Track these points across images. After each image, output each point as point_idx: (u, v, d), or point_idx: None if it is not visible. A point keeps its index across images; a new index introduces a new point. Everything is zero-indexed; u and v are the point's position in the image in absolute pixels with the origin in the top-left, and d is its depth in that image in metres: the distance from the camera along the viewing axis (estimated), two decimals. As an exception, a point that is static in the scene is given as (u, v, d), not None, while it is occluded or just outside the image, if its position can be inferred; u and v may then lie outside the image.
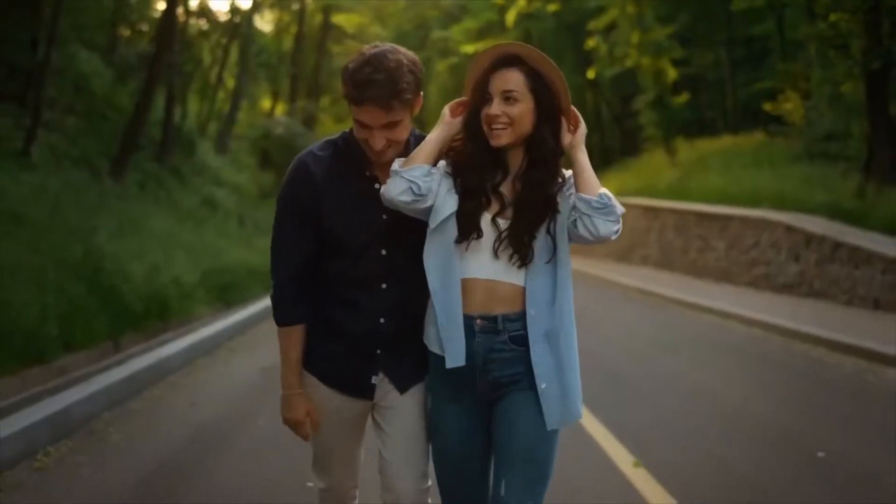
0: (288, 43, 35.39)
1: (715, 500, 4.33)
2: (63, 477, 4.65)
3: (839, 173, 15.83)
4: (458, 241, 2.46)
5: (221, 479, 4.72)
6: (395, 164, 2.50)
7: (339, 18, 36.45)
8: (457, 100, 2.57)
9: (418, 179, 2.44)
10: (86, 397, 5.90)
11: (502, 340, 2.45)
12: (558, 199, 2.48)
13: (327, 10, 35.27)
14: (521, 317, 2.46)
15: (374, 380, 2.67)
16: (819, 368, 8.08)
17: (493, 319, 2.45)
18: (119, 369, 6.93)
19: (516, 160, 2.51)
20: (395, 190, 2.46)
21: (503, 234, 2.45)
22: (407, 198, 2.45)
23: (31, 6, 14.28)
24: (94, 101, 16.79)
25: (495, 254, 2.45)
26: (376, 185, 2.62)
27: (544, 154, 2.47)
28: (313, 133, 30.56)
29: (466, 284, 2.46)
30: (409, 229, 2.58)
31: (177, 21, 18.07)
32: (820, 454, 5.07)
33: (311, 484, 2.75)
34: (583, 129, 2.50)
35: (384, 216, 2.60)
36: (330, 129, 33.01)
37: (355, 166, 2.64)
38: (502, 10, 31.16)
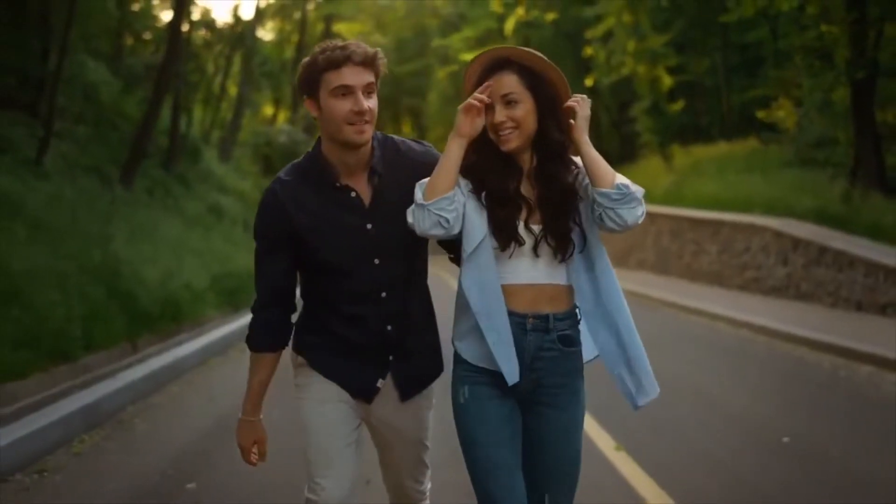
0: (290, 51, 35.89)
1: (689, 479, 4.79)
2: (98, 460, 5.16)
3: (827, 179, 16.30)
4: (502, 249, 2.45)
5: (240, 463, 5.16)
6: (418, 194, 2.44)
7: (340, 27, 37.03)
8: (470, 102, 2.45)
9: (445, 212, 2.40)
10: (112, 392, 6.39)
11: (551, 339, 2.47)
12: (576, 188, 2.49)
13: (328, 20, 35.83)
14: (569, 316, 2.50)
15: (379, 383, 2.67)
16: (798, 365, 8.56)
17: (545, 318, 2.47)
18: (140, 367, 7.41)
19: (526, 159, 2.51)
20: (424, 225, 2.42)
21: (540, 236, 2.46)
22: (438, 231, 2.43)
23: (41, 16, 14.74)
24: (102, 110, 17.22)
25: (535, 254, 2.46)
26: (352, 195, 2.60)
27: (553, 148, 2.48)
28: (315, 140, 30.98)
29: (510, 289, 2.45)
30: (397, 236, 2.57)
31: (181, 32, 18.50)
32: (785, 439, 5.56)
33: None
34: (582, 118, 2.44)
35: (368, 225, 2.59)
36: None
37: (325, 180, 2.61)
38: (501, 18, 31.61)
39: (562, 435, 2.53)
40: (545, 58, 2.47)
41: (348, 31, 36.34)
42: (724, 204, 17.45)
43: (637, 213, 2.42)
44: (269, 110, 37.74)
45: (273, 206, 2.61)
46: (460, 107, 2.46)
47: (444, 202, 2.40)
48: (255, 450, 2.80)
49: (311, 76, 2.53)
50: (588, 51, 27.66)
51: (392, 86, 41.07)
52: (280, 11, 34.60)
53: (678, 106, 25.52)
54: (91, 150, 15.18)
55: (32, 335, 6.79)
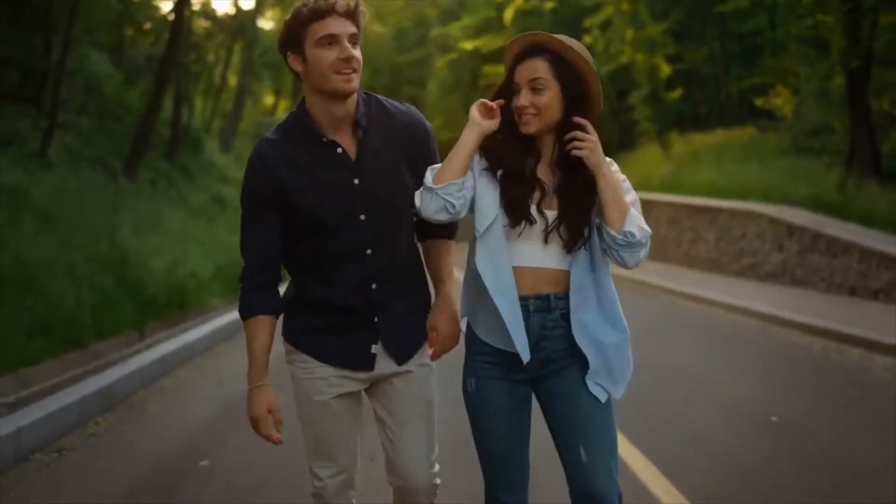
0: (290, 41, 35.87)
1: (676, 453, 5.00)
2: (113, 441, 5.39)
3: (823, 167, 16.49)
4: (512, 226, 2.48)
5: (249, 443, 5.36)
6: (428, 177, 2.49)
7: (339, 17, 36.92)
8: (483, 100, 2.52)
9: (452, 198, 2.45)
10: (124, 376, 6.61)
11: (554, 318, 2.52)
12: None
13: (328, 9, 35.73)
14: (568, 295, 2.52)
15: (373, 349, 2.64)
16: (790, 349, 8.79)
17: (546, 298, 2.51)
18: (149, 353, 7.63)
19: (548, 146, 2.54)
20: (430, 208, 2.47)
21: (553, 223, 2.49)
22: (443, 216, 2.48)
23: (43, 12, 14.87)
24: (105, 102, 17.36)
25: (545, 241, 2.49)
26: (338, 150, 2.59)
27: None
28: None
29: (515, 271, 2.49)
30: (384, 191, 2.60)
31: (183, 23, 18.60)
32: (773, 418, 5.78)
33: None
34: (590, 149, 2.46)
35: (355, 181, 2.58)
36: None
37: (310, 136, 2.60)
38: (500, 7, 31.73)
39: (580, 385, 2.53)
40: (578, 49, 2.50)
41: (348, 21, 36.35)
42: (721, 191, 17.62)
43: (639, 256, 2.48)
44: (269, 100, 37.89)
45: (260, 167, 2.60)
46: (476, 102, 2.52)
47: (453, 188, 2.44)
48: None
49: (294, 30, 2.53)
50: (587, 39, 27.73)
51: (392, 75, 41.22)
52: (280, 1, 34.64)
53: (676, 94, 25.66)
54: (94, 141, 15.32)
55: (45, 323, 7.00)
